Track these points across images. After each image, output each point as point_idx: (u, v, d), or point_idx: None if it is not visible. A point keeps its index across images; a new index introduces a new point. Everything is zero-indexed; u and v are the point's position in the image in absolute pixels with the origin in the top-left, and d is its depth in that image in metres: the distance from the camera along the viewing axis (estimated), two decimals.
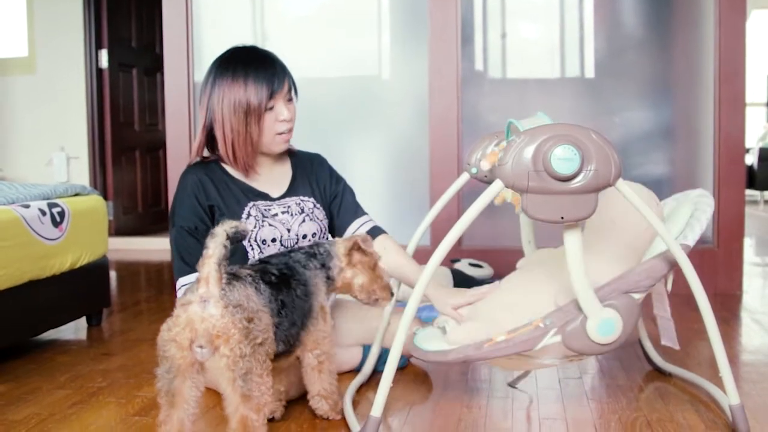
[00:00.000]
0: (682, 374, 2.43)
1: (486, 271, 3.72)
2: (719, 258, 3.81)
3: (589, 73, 4.10)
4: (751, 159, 8.76)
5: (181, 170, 2.36)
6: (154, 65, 6.50)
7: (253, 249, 2.26)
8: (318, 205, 2.40)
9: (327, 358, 2.06)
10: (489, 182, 2.17)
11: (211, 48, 4.09)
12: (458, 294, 2.21)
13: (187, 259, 2.21)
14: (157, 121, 6.67)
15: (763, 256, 5.25)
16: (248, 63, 2.24)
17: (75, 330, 3.20)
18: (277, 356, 1.86)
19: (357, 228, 2.43)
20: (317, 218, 2.37)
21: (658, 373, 2.51)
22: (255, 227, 2.25)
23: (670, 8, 4.00)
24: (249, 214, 2.27)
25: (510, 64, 4.15)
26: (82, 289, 3.11)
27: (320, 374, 2.06)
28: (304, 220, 2.33)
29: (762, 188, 8.80)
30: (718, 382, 2.04)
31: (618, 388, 2.37)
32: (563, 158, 1.74)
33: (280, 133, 2.28)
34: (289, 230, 2.30)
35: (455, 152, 3.95)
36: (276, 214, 2.30)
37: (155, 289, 4.22)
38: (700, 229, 2.06)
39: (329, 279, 2.07)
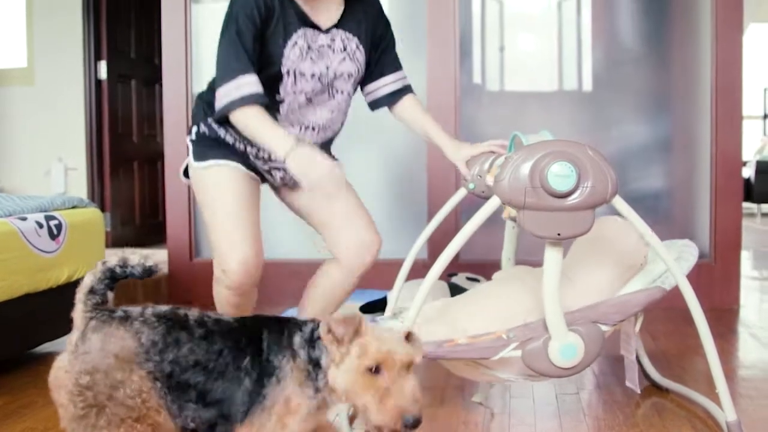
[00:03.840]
0: (679, 390, 2.42)
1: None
2: (716, 272, 3.81)
3: (587, 86, 4.11)
4: (748, 172, 8.78)
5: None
6: (153, 76, 6.50)
7: (288, 77, 2.25)
8: (360, 47, 2.36)
9: None
10: (486, 198, 2.17)
11: (210, 60, 4.08)
12: (470, 146, 2.36)
13: (236, 59, 2.19)
14: (156, 132, 6.67)
15: (761, 270, 5.25)
16: None
17: None
18: None
19: (389, 82, 2.46)
20: (357, 60, 2.35)
21: (656, 388, 2.51)
22: (299, 57, 2.23)
23: (667, 22, 4.01)
24: (295, 43, 2.24)
25: (508, 77, 4.16)
26: None
27: None
28: (344, 59, 2.32)
29: (759, 201, 8.81)
30: (715, 397, 2.04)
31: (615, 403, 2.37)
32: (560, 175, 1.75)
33: None
34: (327, 67, 2.29)
35: (453, 166, 3.94)
36: (321, 46, 2.28)
37: (152, 302, 4.19)
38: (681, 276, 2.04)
39: (314, 369, 1.48)
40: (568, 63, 4.09)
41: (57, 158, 5.90)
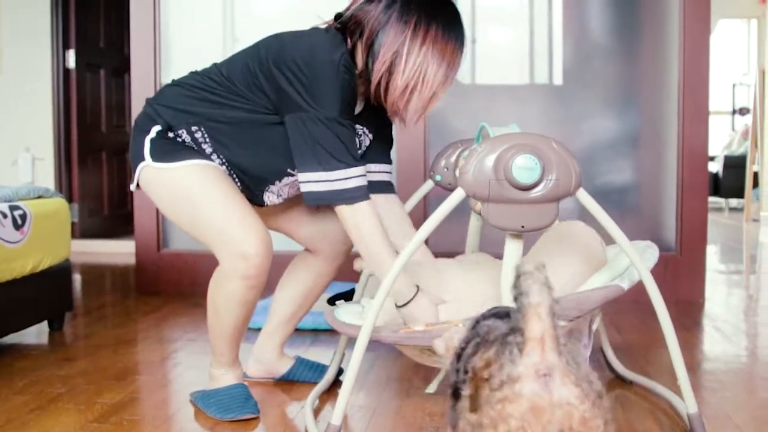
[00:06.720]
0: (642, 382, 2.44)
1: None
2: (682, 265, 3.84)
3: (558, 80, 4.12)
4: (716, 167, 8.86)
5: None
6: (122, 66, 6.45)
7: None
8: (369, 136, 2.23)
9: None
10: (453, 190, 2.17)
11: (179, 49, 4.06)
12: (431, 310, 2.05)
13: (346, 149, 1.96)
14: (125, 122, 6.61)
15: (727, 264, 5.31)
16: (455, 23, 2.00)
17: (37, 334, 3.16)
18: None
19: (382, 170, 2.30)
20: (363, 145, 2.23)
21: (619, 380, 2.53)
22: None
23: (636, 17, 4.03)
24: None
25: (479, 70, 4.16)
26: (44, 293, 3.07)
27: None
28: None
29: (727, 196, 8.90)
30: (678, 390, 2.05)
31: None
32: (524, 167, 1.75)
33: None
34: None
35: (421, 158, 3.95)
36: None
37: (120, 293, 4.18)
38: (638, 278, 2.04)
39: None
40: (539, 56, 4.11)
41: (24, 148, 5.84)
